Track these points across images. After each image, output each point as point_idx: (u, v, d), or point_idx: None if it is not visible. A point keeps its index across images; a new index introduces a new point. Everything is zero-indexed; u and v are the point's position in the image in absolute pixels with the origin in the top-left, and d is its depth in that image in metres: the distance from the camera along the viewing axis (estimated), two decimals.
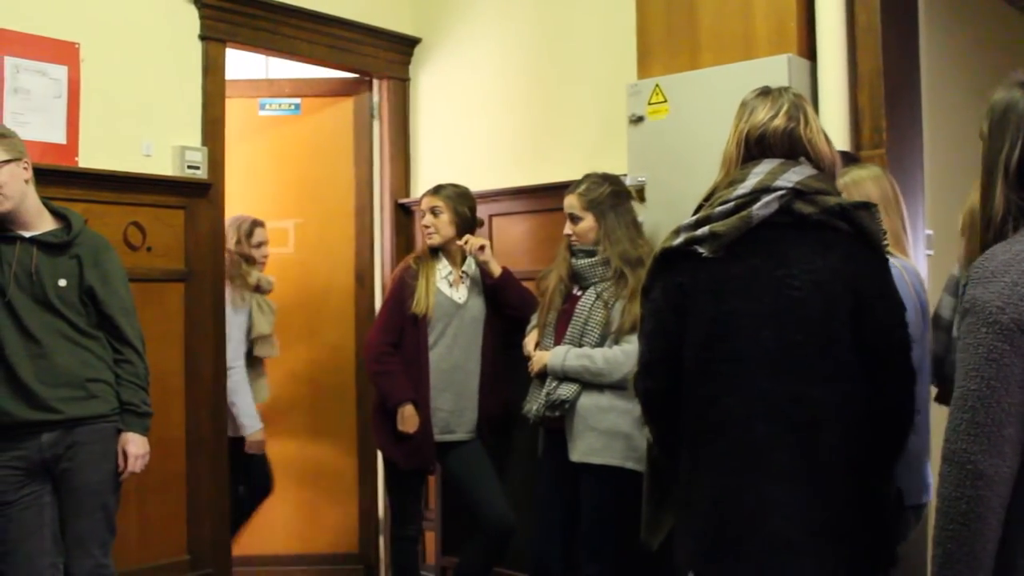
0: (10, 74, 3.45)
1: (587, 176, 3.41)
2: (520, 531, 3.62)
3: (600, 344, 3.25)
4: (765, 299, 2.02)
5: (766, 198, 2.04)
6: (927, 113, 3.42)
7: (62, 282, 3.09)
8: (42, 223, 3.15)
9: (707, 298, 2.07)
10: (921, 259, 3.27)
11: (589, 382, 3.25)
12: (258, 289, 4.34)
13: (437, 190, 3.83)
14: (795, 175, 2.06)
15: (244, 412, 4.20)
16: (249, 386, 4.25)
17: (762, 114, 2.15)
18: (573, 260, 3.38)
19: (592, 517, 3.27)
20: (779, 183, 2.05)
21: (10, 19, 3.45)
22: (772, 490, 1.96)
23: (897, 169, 3.15)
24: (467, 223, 3.81)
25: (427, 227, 3.78)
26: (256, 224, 4.39)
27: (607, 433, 3.21)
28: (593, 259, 3.32)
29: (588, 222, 3.34)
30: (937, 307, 2.67)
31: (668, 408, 2.17)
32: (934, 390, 2.68)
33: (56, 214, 3.20)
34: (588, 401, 3.25)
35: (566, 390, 3.27)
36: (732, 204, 2.07)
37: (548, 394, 3.30)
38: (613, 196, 3.34)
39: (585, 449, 3.24)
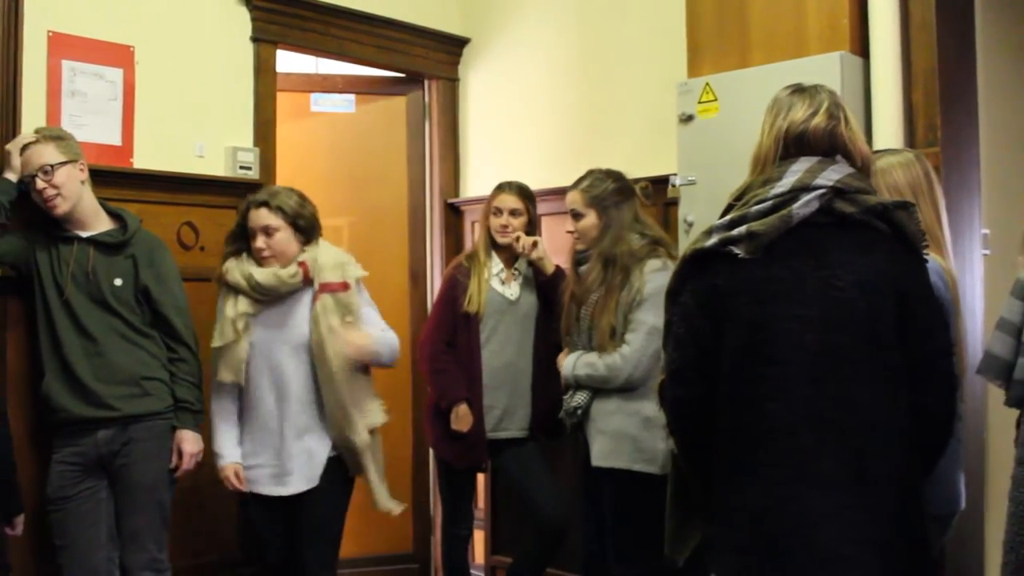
0: (67, 77, 3.50)
1: (590, 172, 3.40)
2: (571, 530, 3.62)
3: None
4: (809, 301, 1.96)
5: (806, 197, 1.98)
6: (984, 110, 3.35)
7: (118, 281, 3.15)
8: (98, 223, 3.21)
9: (746, 301, 2.00)
10: (977, 258, 3.21)
11: (599, 388, 3.26)
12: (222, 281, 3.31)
13: (513, 188, 3.81)
14: (834, 173, 2.01)
15: (213, 443, 3.30)
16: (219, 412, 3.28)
17: (801, 112, 2.09)
18: (578, 270, 3.39)
19: (612, 520, 3.29)
20: (819, 181, 1.99)
21: (67, 24, 3.50)
22: (820, 500, 1.90)
23: (953, 167, 3.10)
24: (535, 223, 3.84)
25: (505, 226, 3.75)
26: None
27: (615, 436, 3.22)
28: (588, 264, 3.33)
29: (591, 219, 3.34)
30: (1003, 311, 2.59)
31: (699, 417, 2.08)
32: (999, 394, 2.61)
33: (112, 214, 3.26)
34: (597, 406, 3.27)
35: (578, 398, 3.30)
36: (770, 203, 2.01)
37: (565, 402, 3.34)
38: (616, 193, 3.33)
39: (597, 453, 3.26)
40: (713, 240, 2.05)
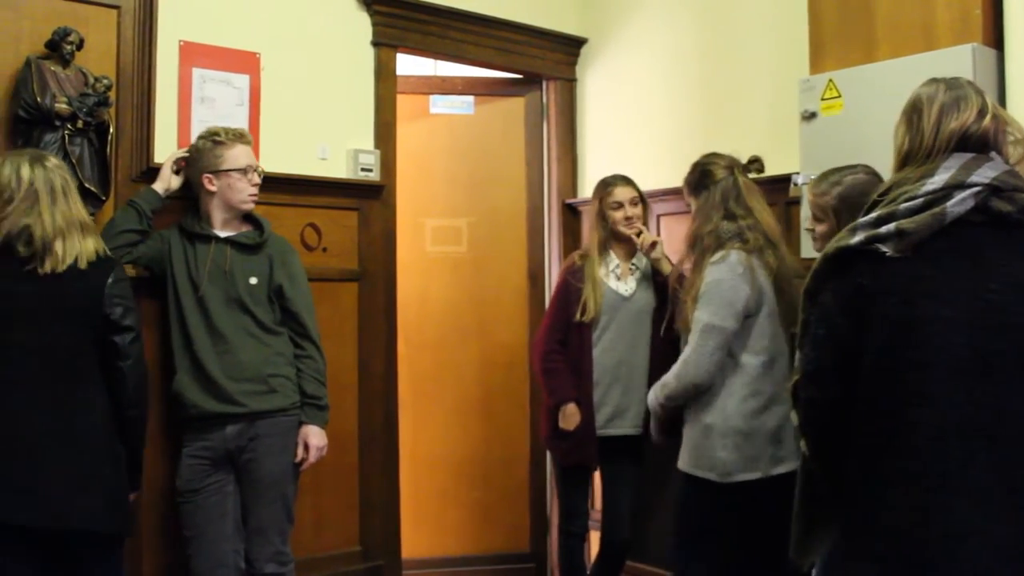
0: (197, 84, 3.63)
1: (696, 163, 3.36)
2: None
3: None
4: (959, 303, 1.87)
5: (960, 194, 1.89)
6: None
7: (253, 280, 3.26)
8: (235, 224, 3.33)
9: (893, 301, 1.91)
10: None
11: (684, 403, 3.21)
12: None
13: (625, 179, 3.85)
14: (990, 170, 1.92)
15: None
16: None
17: (970, 112, 2.00)
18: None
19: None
20: (974, 179, 1.90)
21: (198, 33, 3.63)
22: (968, 512, 1.81)
23: None
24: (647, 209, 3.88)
25: (629, 218, 3.76)
26: None
27: (685, 442, 3.22)
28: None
29: (692, 205, 3.32)
30: None
31: (834, 419, 2.02)
32: None
33: (244, 216, 3.38)
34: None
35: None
36: (921, 200, 1.92)
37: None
38: (701, 176, 3.27)
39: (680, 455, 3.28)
40: (859, 238, 1.97)
